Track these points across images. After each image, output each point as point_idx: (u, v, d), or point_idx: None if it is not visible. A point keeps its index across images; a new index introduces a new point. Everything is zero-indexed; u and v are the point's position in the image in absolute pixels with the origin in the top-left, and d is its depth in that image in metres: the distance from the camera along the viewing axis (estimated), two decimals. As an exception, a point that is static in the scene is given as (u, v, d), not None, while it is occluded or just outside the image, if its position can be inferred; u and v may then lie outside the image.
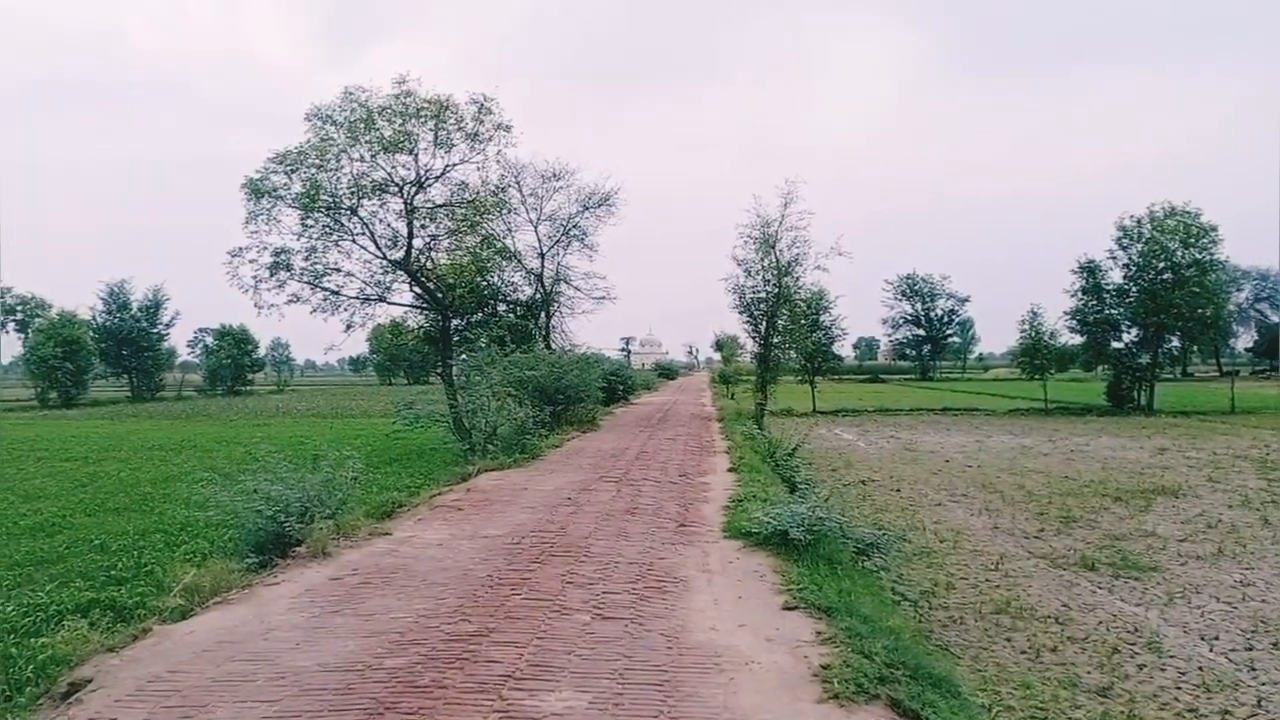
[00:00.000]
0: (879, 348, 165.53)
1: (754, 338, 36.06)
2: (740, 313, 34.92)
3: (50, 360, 62.21)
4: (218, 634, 6.94)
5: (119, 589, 9.53)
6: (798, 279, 33.32)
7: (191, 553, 11.17)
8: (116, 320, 74.10)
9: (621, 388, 44.17)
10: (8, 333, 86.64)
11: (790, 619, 7.28)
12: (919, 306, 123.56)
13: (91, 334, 69.15)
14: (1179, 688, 8.25)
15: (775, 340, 34.66)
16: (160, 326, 77.24)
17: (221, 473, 14.42)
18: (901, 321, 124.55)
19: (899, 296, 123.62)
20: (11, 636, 7.84)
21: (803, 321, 35.76)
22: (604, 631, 6.90)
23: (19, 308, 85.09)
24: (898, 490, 20.26)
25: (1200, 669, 8.71)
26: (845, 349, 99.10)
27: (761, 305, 33.97)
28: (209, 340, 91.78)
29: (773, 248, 32.43)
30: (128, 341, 73.84)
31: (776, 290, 33.02)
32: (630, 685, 5.77)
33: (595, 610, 7.49)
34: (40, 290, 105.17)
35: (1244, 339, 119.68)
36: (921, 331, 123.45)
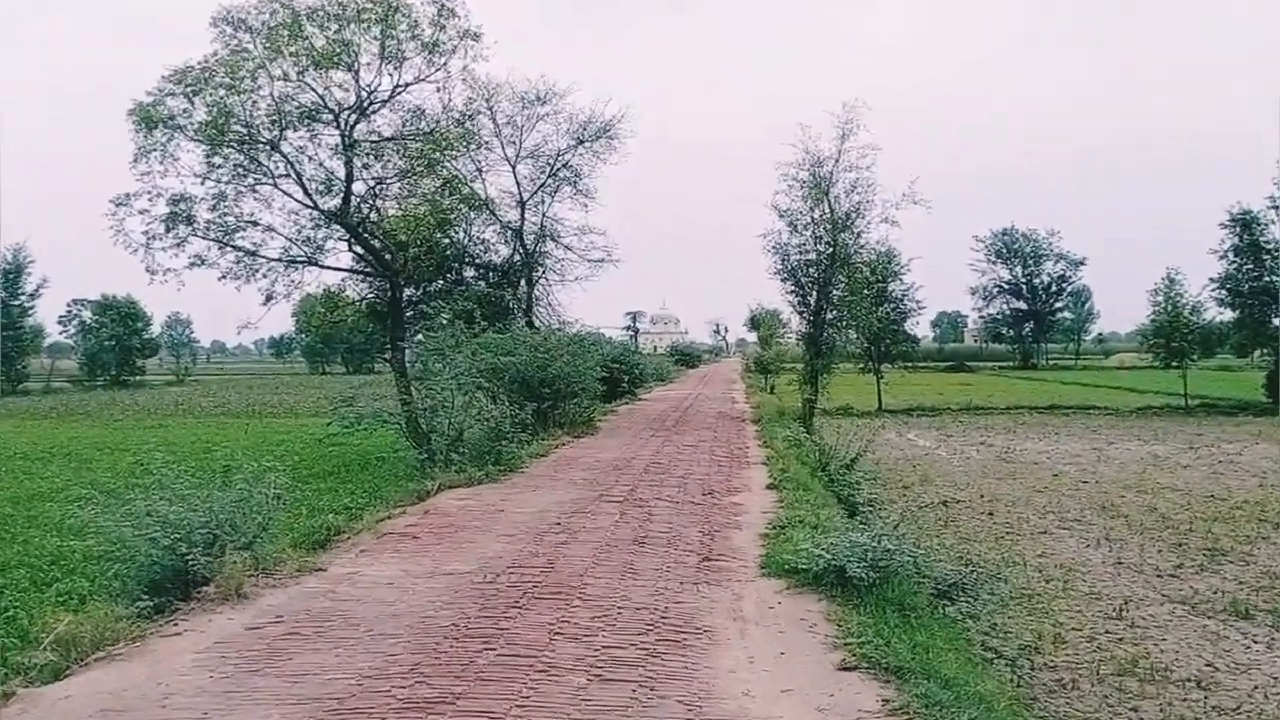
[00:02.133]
0: (966, 326, 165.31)
1: (801, 313, 35.97)
2: (783, 280, 34.83)
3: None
4: (101, 699, 6.97)
5: (-29, 641, 9.60)
6: (859, 235, 33.18)
7: (66, 594, 11.23)
8: (-35, 290, 74.48)
9: (627, 378, 44.39)
10: None
11: (849, 682, 7.30)
12: (1019, 271, 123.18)
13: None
14: (1360, 773, 8.26)
15: (829, 316, 34.54)
16: (23, 297, 77.56)
17: (105, 489, 14.41)
18: (996, 291, 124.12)
19: (993, 258, 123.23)
20: None
21: (865, 291, 35.47)
22: (604, 698, 6.93)
23: None
24: (990, 513, 20.26)
25: (1388, 749, 8.72)
26: (921, 328, 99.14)
27: (811, 270, 33.82)
28: (86, 316, 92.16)
29: (826, 194, 32.25)
30: (-20, 317, 74.25)
31: (830, 250, 32.86)
32: (639, 769, 5.82)
33: (593, 671, 7.52)
34: None
35: None
36: (1022, 305, 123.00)
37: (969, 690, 7.27)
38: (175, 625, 8.92)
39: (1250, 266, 50.88)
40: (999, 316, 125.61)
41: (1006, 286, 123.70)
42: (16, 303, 77.07)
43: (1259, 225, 50.81)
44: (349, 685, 7.21)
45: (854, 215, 32.50)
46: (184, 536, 10.25)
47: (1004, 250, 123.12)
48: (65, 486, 19.82)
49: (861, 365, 50.88)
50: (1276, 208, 50.19)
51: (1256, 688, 10.28)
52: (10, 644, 9.24)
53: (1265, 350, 53.52)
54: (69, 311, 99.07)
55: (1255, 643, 11.79)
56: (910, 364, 70.46)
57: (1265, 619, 12.71)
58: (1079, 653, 11.48)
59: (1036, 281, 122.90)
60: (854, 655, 7.81)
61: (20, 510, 17.96)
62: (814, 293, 34.08)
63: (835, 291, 33.97)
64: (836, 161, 32.06)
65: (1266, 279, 50.48)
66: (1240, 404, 49.70)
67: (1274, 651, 11.47)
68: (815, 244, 33.37)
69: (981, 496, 22.47)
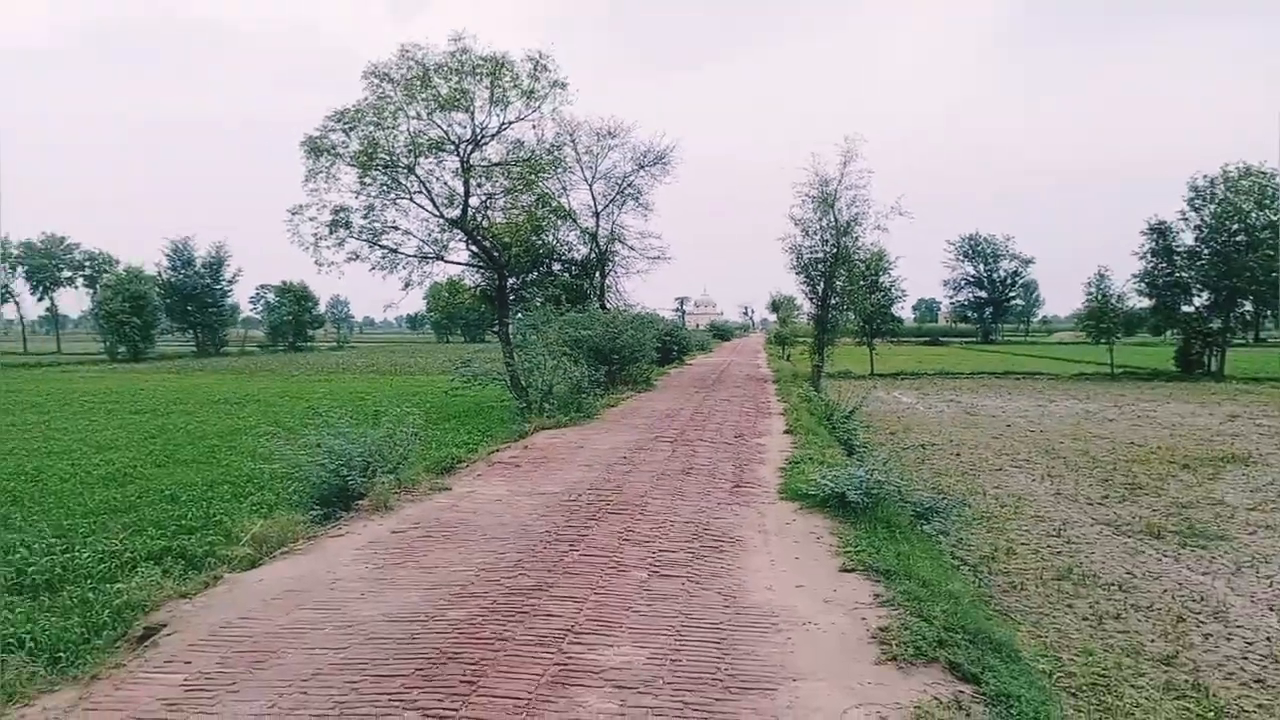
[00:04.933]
0: (940, 310, 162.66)
1: (811, 299, 35.70)
2: (797, 273, 34.50)
3: (119, 315, 63.81)
4: (286, 583, 7.15)
5: (189, 538, 9.86)
6: (857, 239, 32.83)
7: (258, 504, 11.48)
8: (181, 276, 75.68)
9: (676, 348, 44.56)
10: (76, 287, 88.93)
11: (848, 581, 7.30)
12: (981, 268, 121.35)
13: (157, 290, 70.72)
14: (1245, 658, 8.12)
15: (833, 301, 34.32)
16: (223, 283, 78.76)
17: (285, 426, 14.79)
18: (964, 283, 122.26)
19: (961, 257, 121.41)
20: (88, 582, 8.15)
21: (861, 282, 35.35)
22: (661, 589, 6.99)
23: (87, 263, 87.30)
24: (957, 455, 20.04)
25: (1268, 639, 8.56)
26: (905, 311, 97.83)
27: (819, 266, 33.59)
28: (270, 297, 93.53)
29: (831, 206, 31.95)
30: (192, 297, 75.48)
31: (835, 250, 32.60)
32: (688, 642, 5.85)
33: (652, 568, 7.58)
34: (107, 246, 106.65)
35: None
36: (984, 293, 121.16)
37: (941, 589, 7.23)
38: (339, 529, 9.09)
39: (1163, 265, 49.57)
40: (965, 303, 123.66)
41: (971, 279, 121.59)
42: (218, 286, 78.16)
43: (1171, 233, 49.46)
44: (469, 575, 7.32)
45: (853, 223, 32.26)
46: (345, 463, 10.48)
47: (970, 251, 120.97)
48: (256, 424, 20.19)
49: (858, 340, 50.36)
50: (1185, 219, 48.84)
51: (1165, 590, 10.12)
52: (218, 541, 9.47)
53: (1175, 331, 52.25)
54: (257, 294, 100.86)
55: (1164, 556, 11.60)
56: (895, 339, 69.37)
57: (1173, 538, 12.49)
58: (1026, 562, 11.37)
59: (995, 276, 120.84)
60: (852, 560, 7.81)
61: (224, 441, 18.32)
62: (821, 283, 33.88)
63: (838, 282, 33.78)
64: (839, 181, 31.72)
65: (1176, 275, 49.24)
66: (1155, 372, 48.67)
67: (1179, 563, 11.28)
68: (823, 245, 33.16)
69: (950, 441, 22.19)
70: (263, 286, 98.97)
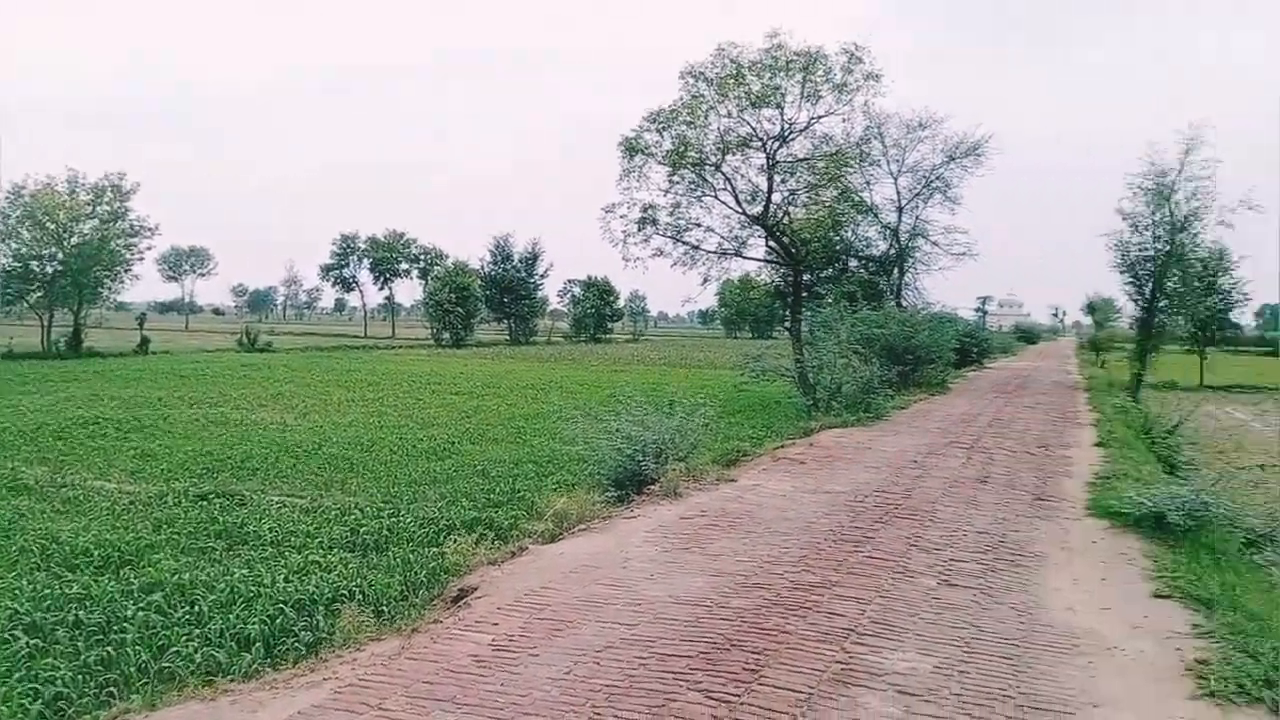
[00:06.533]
0: None
1: (1136, 301, 33.08)
2: (1121, 272, 32.06)
3: (445, 304, 70.04)
4: (582, 558, 7.61)
5: (497, 510, 10.71)
6: (1195, 235, 30.08)
7: (559, 483, 12.25)
8: (500, 270, 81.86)
9: (975, 350, 42.24)
10: (411, 279, 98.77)
11: (1161, 608, 6.71)
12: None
13: (479, 282, 76.86)
14: None
15: (1161, 304, 31.47)
16: (536, 277, 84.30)
17: (585, 412, 15.61)
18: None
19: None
20: (409, 544, 9.07)
21: (1196, 284, 32.22)
22: (950, 598, 6.77)
23: (421, 257, 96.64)
24: (1309, 479, 17.61)
25: None
26: (1245, 317, 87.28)
27: (1148, 264, 31.00)
28: (576, 291, 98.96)
29: (1167, 200, 29.34)
30: (509, 290, 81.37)
31: (1168, 248, 30.00)
32: (977, 655, 5.64)
33: (941, 576, 7.35)
34: (438, 242, 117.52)
35: None
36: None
37: (1273, 624, 6.46)
38: (631, 512, 9.52)
39: None
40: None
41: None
42: (532, 280, 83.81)
43: None
44: (752, 566, 7.44)
45: (1191, 219, 29.56)
46: (640, 449, 10.94)
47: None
48: (559, 408, 21.46)
49: (1187, 347, 45.49)
50: None
51: None
52: (522, 514, 10.22)
53: None
54: (564, 287, 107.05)
55: None
56: (1232, 348, 61.48)
57: None
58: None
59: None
60: (1168, 586, 7.16)
61: (529, 424, 19.67)
62: (1149, 284, 31.37)
63: (1169, 283, 31.35)
64: (1179, 172, 29.08)
65: None
66: None
67: None
68: (1154, 242, 30.76)
69: (1297, 464, 19.49)
70: (570, 281, 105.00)
